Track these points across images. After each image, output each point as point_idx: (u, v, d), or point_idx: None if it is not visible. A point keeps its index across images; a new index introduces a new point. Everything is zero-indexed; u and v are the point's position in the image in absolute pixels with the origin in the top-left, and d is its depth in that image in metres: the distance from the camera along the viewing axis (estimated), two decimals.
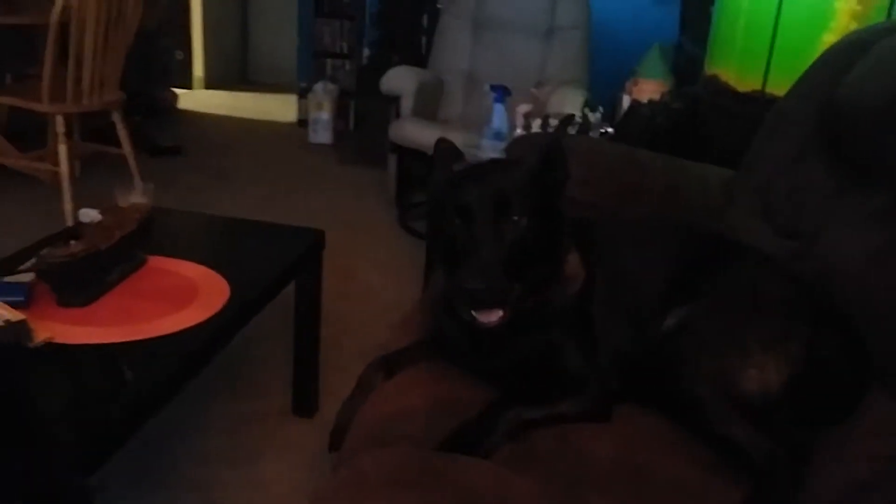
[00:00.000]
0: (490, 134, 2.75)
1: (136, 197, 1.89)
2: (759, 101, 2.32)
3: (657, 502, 1.03)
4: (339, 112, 5.01)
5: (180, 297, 1.50)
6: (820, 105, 1.76)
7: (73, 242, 1.54)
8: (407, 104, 3.51)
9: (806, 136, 1.79)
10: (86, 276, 1.48)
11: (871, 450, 0.97)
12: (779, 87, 2.22)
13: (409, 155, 3.51)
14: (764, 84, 2.36)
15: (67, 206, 3.06)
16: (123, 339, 1.34)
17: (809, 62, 1.93)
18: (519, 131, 2.86)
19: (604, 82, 3.80)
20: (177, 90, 5.55)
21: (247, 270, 1.67)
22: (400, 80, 3.56)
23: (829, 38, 2.16)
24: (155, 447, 1.84)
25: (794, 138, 1.83)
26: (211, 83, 6.33)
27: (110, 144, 3.47)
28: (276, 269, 1.70)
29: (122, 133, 3.36)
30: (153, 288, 1.56)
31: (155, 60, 5.18)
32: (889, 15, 2.19)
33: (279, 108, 5.69)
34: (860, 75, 1.61)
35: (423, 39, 4.64)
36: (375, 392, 1.30)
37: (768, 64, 2.34)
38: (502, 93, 2.83)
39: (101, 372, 1.31)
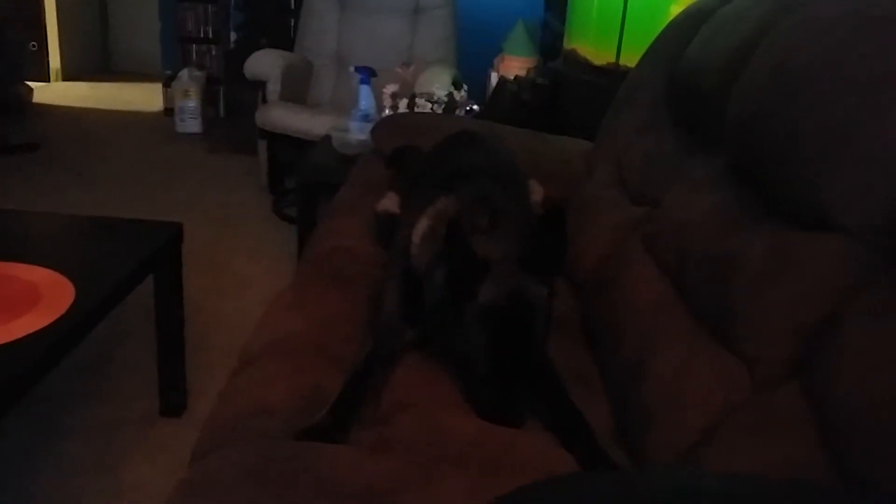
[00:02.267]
0: (357, 116, 2.72)
1: None
2: (613, 74, 2.39)
3: (515, 475, 1.04)
4: (208, 99, 4.85)
5: (19, 303, 1.41)
6: (666, 74, 1.82)
7: None
8: (273, 88, 3.42)
9: (655, 105, 1.85)
10: None
11: (707, 401, 1.00)
12: (632, 59, 2.29)
13: (279, 141, 3.43)
14: (618, 56, 2.43)
15: None
16: None
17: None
18: (387, 112, 2.84)
19: (474, 60, 3.82)
20: (31, 83, 5.21)
21: (95, 271, 1.59)
22: (264, 63, 3.47)
23: (677, 10, 2.24)
24: (13, 459, 1.74)
25: (644, 108, 1.89)
26: (69, 74, 5.98)
27: None
28: (127, 269, 1.61)
29: None
30: None
31: (4, 53, 4.85)
32: None
33: (144, 97, 5.44)
34: (700, 43, 1.67)
35: (292, 22, 4.54)
36: (231, 387, 1.26)
37: (621, 37, 2.41)
38: (367, 74, 2.80)
39: None
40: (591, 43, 2.54)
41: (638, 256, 1.38)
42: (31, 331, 1.32)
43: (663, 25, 2.07)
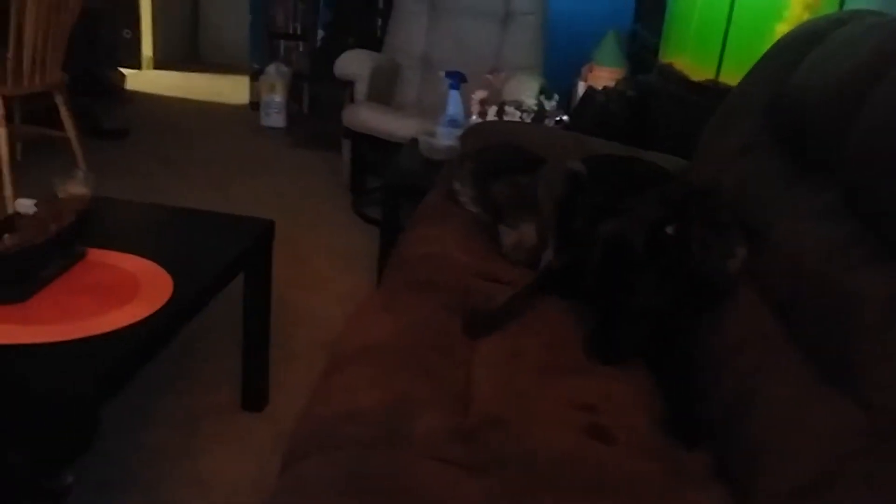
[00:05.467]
0: (445, 121, 2.71)
1: (76, 187, 1.82)
2: (712, 91, 2.33)
3: (609, 495, 1.02)
4: (293, 95, 4.92)
5: (120, 292, 1.45)
6: (772, 95, 1.76)
7: (6, 235, 1.47)
8: (361, 89, 3.45)
9: (757, 127, 1.79)
10: (20, 271, 1.42)
11: (821, 446, 0.96)
12: (732, 76, 2.22)
13: (363, 140, 3.46)
14: (717, 73, 2.36)
15: (7, 192, 2.95)
16: (59, 339, 1.28)
17: (762, 52, 1.93)
18: (475, 118, 2.83)
19: (561, 69, 3.78)
20: (125, 70, 5.38)
21: (191, 264, 1.62)
22: (354, 64, 3.50)
23: (783, 29, 2.17)
24: (98, 445, 1.78)
25: (745, 129, 1.84)
26: (160, 63, 6.16)
27: (54, 127, 3.35)
28: (222, 263, 1.64)
29: (64, 116, 3.25)
30: (92, 283, 1.50)
31: (101, 40, 5.01)
32: (841, 6, 2.21)
33: (231, 89, 5.56)
34: (811, 66, 1.61)
35: (379, 22, 4.57)
36: (323, 389, 1.26)
37: (722, 53, 2.34)
38: (457, 79, 2.79)
39: (36, 373, 1.26)
40: (689, 57, 2.48)
41: (741, 286, 1.34)
42: (132, 321, 1.35)
43: (767, 43, 2.01)
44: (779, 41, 1.93)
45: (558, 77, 3.61)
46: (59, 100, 3.23)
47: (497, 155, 1.98)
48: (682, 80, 2.49)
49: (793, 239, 1.28)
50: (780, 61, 1.83)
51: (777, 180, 1.55)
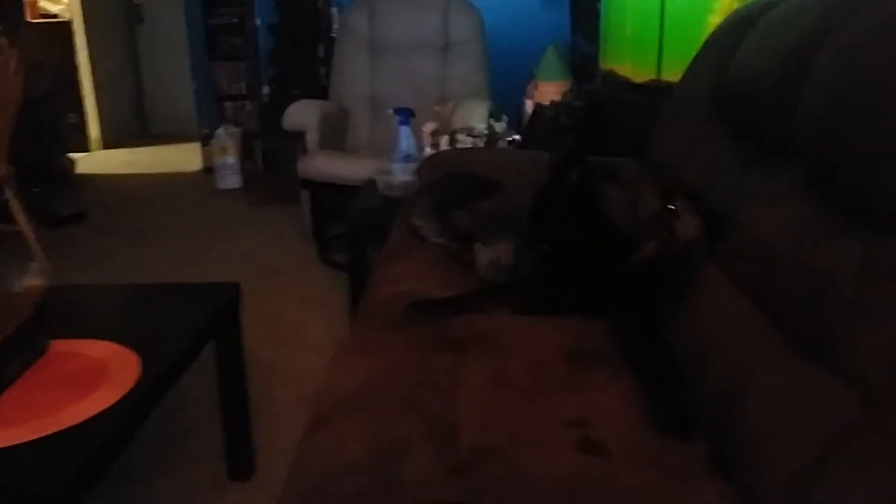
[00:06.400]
0: (399, 157, 2.71)
1: (32, 279, 1.77)
2: (656, 90, 2.34)
3: None
4: (246, 154, 4.90)
5: (87, 380, 1.40)
6: (714, 85, 1.77)
7: None
8: (312, 138, 3.44)
9: (706, 119, 1.80)
10: None
11: (814, 428, 0.94)
12: (673, 73, 2.24)
13: (321, 188, 3.44)
14: (659, 72, 2.38)
15: None
16: (27, 439, 1.23)
17: (698, 45, 1.95)
18: (428, 150, 2.82)
19: (507, 89, 3.80)
20: (73, 155, 5.32)
21: (158, 340, 1.57)
22: (302, 114, 3.49)
23: (715, 20, 2.20)
24: None
25: (694, 122, 1.85)
26: (109, 142, 6.12)
27: (6, 222, 3.29)
28: (190, 335, 1.60)
29: (15, 209, 3.17)
30: (57, 375, 1.45)
31: (46, 128, 4.96)
32: None
33: (182, 157, 5.54)
34: (749, 52, 1.62)
35: (322, 70, 4.58)
36: (308, 447, 1.22)
37: (660, 52, 2.36)
38: (406, 115, 2.79)
39: (5, 478, 1.20)
40: (629, 61, 2.50)
41: (711, 277, 1.33)
42: (101, 408, 1.30)
43: (702, 36, 2.03)
44: (713, 32, 1.96)
45: (506, 98, 3.63)
46: (8, 194, 3.17)
47: (449, 185, 1.98)
48: (626, 84, 2.50)
49: (758, 224, 1.27)
50: (718, 51, 1.84)
51: (733, 167, 1.55)
